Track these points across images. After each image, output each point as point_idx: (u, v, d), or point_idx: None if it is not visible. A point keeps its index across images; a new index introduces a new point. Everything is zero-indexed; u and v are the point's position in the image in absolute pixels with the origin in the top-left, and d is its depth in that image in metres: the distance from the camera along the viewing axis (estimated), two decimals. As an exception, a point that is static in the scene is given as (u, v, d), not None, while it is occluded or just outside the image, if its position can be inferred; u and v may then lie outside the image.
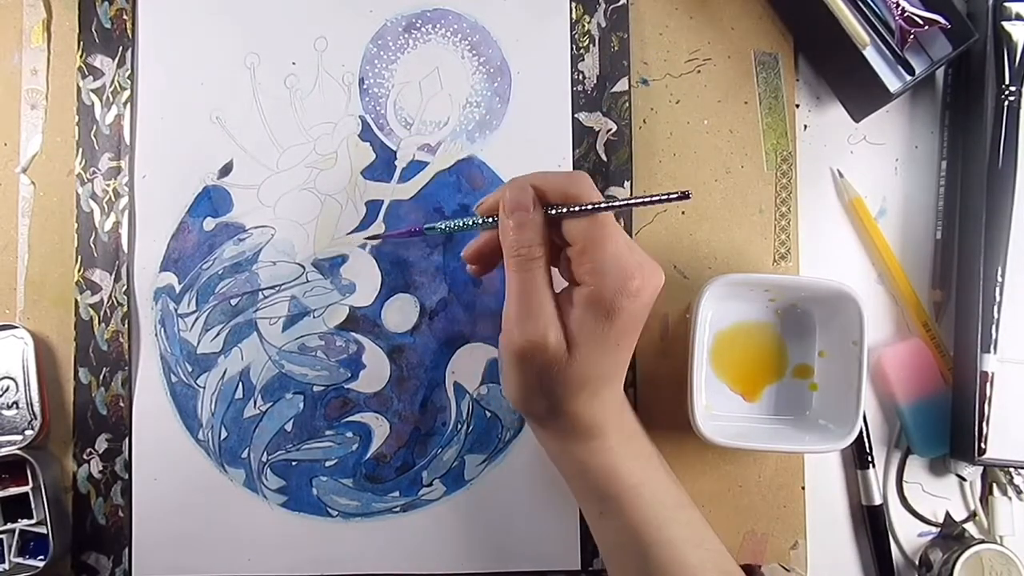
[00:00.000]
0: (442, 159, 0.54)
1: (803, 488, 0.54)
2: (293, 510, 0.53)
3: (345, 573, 0.53)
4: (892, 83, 0.52)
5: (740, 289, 0.51)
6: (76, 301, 0.53)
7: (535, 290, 0.43)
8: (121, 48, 0.54)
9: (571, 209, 0.43)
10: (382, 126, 0.54)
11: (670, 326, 0.54)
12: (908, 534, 0.55)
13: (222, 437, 0.53)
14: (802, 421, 0.53)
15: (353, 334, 0.53)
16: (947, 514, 0.55)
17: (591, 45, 0.54)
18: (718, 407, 0.53)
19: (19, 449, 0.51)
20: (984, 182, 0.52)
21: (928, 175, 0.56)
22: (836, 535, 0.55)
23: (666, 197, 0.41)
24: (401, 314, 0.54)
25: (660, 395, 0.54)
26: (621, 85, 0.54)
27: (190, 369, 0.53)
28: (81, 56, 0.54)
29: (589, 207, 0.42)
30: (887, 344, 0.55)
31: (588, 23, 0.54)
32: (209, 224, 0.54)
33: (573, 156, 0.54)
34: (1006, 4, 0.53)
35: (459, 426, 0.53)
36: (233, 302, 0.53)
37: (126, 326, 0.53)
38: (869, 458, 0.54)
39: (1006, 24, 0.52)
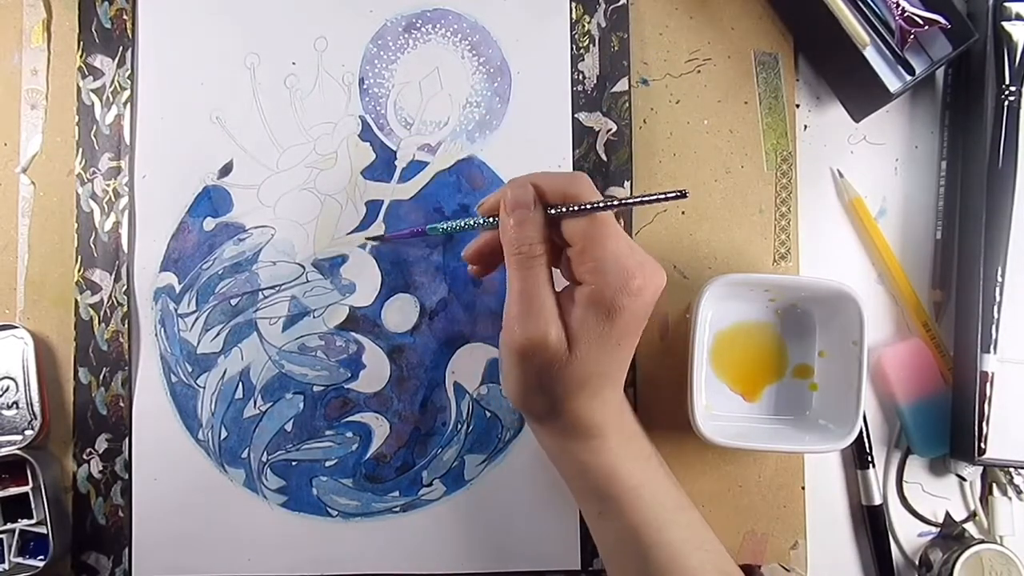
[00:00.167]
0: (442, 159, 0.54)
1: (803, 488, 0.54)
2: (293, 510, 0.53)
3: (345, 573, 0.53)
4: (892, 83, 0.52)
5: (740, 289, 0.51)
6: (76, 301, 0.53)
7: (536, 288, 0.43)
8: (121, 48, 0.54)
9: (571, 208, 0.43)
10: (382, 126, 0.54)
11: (670, 326, 0.54)
12: (908, 534, 0.55)
13: (222, 437, 0.53)
14: (802, 421, 0.53)
15: (353, 334, 0.53)
16: (947, 514, 0.55)
17: (591, 45, 0.54)
18: (718, 407, 0.53)
19: (19, 449, 0.51)
20: (984, 182, 0.52)
21: (928, 175, 0.56)
22: (836, 535, 0.55)
23: (664, 196, 0.41)
24: (401, 314, 0.54)
25: (660, 395, 0.54)
26: (621, 85, 0.54)
27: (190, 369, 0.53)
28: (81, 56, 0.54)
29: (587, 206, 0.42)
30: (887, 344, 0.55)
31: (588, 23, 0.54)
32: (209, 224, 0.54)
33: (573, 156, 0.54)
34: (1006, 4, 0.53)
35: (459, 426, 0.53)
36: (233, 302, 0.53)
37: (126, 326, 0.53)
38: (869, 458, 0.54)
39: (1006, 24, 0.52)
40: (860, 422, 0.49)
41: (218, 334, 0.53)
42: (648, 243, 0.54)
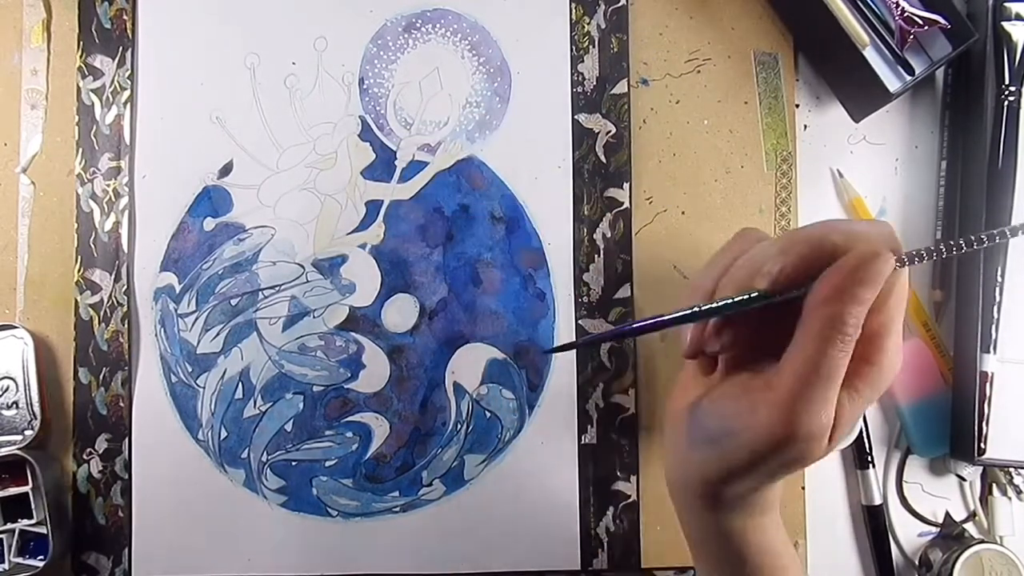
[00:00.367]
0: (442, 159, 0.54)
1: (803, 488, 0.54)
2: (293, 510, 0.53)
3: (345, 573, 0.53)
4: (892, 83, 0.52)
5: (740, 289, 0.51)
6: (76, 301, 0.53)
7: (837, 375, 0.34)
8: (121, 48, 0.54)
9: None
10: (382, 126, 0.54)
11: (670, 326, 0.54)
12: (908, 534, 0.55)
13: (222, 437, 0.53)
14: (802, 421, 0.52)
15: (353, 334, 0.53)
16: (947, 514, 0.55)
17: (591, 46, 0.54)
18: (718, 407, 0.53)
19: (19, 449, 0.51)
20: (984, 182, 0.52)
21: (928, 175, 0.56)
22: (836, 535, 0.55)
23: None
24: (401, 314, 0.54)
25: (660, 395, 0.54)
26: (620, 87, 0.54)
27: (190, 369, 0.53)
28: (81, 56, 0.54)
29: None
30: (887, 344, 0.55)
31: (588, 24, 0.54)
32: (209, 224, 0.54)
33: (573, 157, 0.54)
34: (1006, 4, 0.53)
35: (459, 426, 0.53)
36: (233, 302, 0.53)
37: (126, 326, 0.53)
38: (869, 458, 0.54)
39: (1006, 24, 0.52)
40: (860, 422, 0.49)
41: (218, 334, 0.53)
42: (648, 243, 0.54)
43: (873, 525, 0.54)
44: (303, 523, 0.53)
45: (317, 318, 0.53)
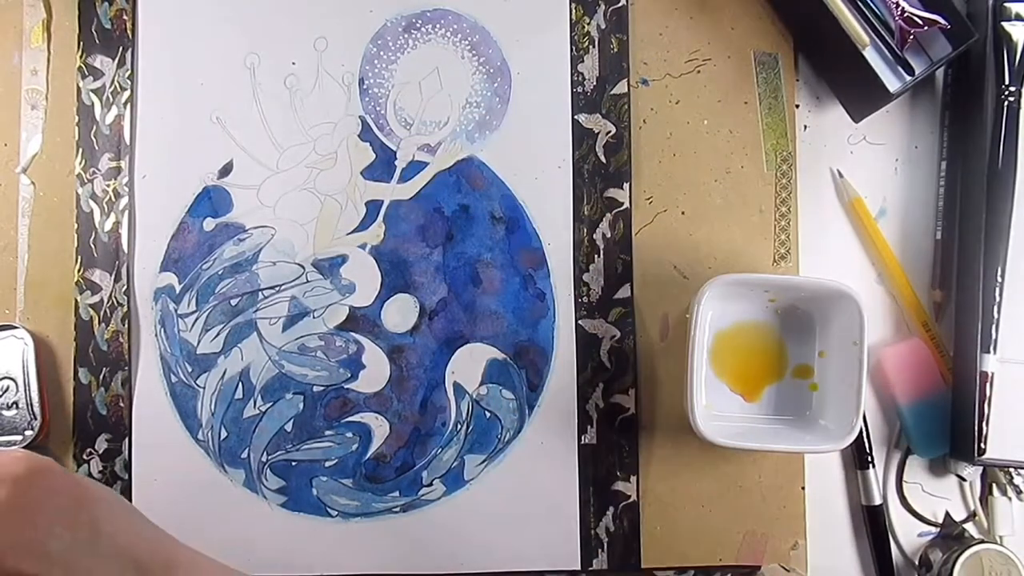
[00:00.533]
0: (442, 159, 0.54)
1: (803, 488, 0.54)
2: (293, 510, 0.53)
3: (345, 573, 0.53)
4: (892, 83, 0.52)
5: (740, 289, 0.51)
6: (76, 301, 0.53)
7: None
8: (121, 48, 0.54)
9: None
10: (382, 126, 0.54)
11: (670, 326, 0.54)
12: (908, 534, 0.55)
13: (222, 437, 0.53)
14: (802, 421, 0.53)
15: (353, 334, 0.53)
16: (947, 514, 0.55)
17: (591, 47, 0.54)
18: (718, 407, 0.53)
19: (19, 449, 0.51)
20: (984, 182, 0.52)
21: (928, 175, 0.56)
22: (836, 535, 0.55)
23: None
24: (401, 314, 0.54)
25: (660, 395, 0.54)
26: (620, 87, 0.54)
27: (190, 369, 0.53)
28: (81, 56, 0.54)
29: None
30: (887, 344, 0.55)
31: (588, 24, 0.54)
32: (209, 224, 0.54)
33: (573, 157, 0.54)
34: (1006, 4, 0.53)
35: (459, 426, 0.53)
36: (233, 302, 0.53)
37: (126, 326, 0.53)
38: (869, 458, 0.54)
39: (1006, 24, 0.52)
40: (860, 422, 0.49)
41: (218, 334, 0.53)
42: (648, 243, 0.54)
43: (873, 525, 0.54)
44: (303, 523, 0.53)
45: (317, 318, 0.53)
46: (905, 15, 0.51)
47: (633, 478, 0.53)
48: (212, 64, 0.54)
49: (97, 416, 0.53)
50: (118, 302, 0.53)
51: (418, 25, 0.55)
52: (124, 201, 0.53)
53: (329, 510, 0.53)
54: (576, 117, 0.54)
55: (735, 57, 0.55)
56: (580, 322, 0.54)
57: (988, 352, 0.51)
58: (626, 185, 0.54)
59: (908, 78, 0.52)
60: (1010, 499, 0.55)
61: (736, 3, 0.55)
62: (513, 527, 0.53)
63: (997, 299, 0.52)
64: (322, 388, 0.53)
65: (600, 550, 0.53)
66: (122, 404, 0.53)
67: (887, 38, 0.52)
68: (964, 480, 0.55)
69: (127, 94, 0.54)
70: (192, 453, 0.53)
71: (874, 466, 0.54)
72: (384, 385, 0.53)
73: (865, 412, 0.53)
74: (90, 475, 0.53)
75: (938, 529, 0.55)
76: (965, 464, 0.54)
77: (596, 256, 0.54)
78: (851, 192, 0.55)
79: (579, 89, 0.54)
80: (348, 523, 0.53)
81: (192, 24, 0.54)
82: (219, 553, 0.53)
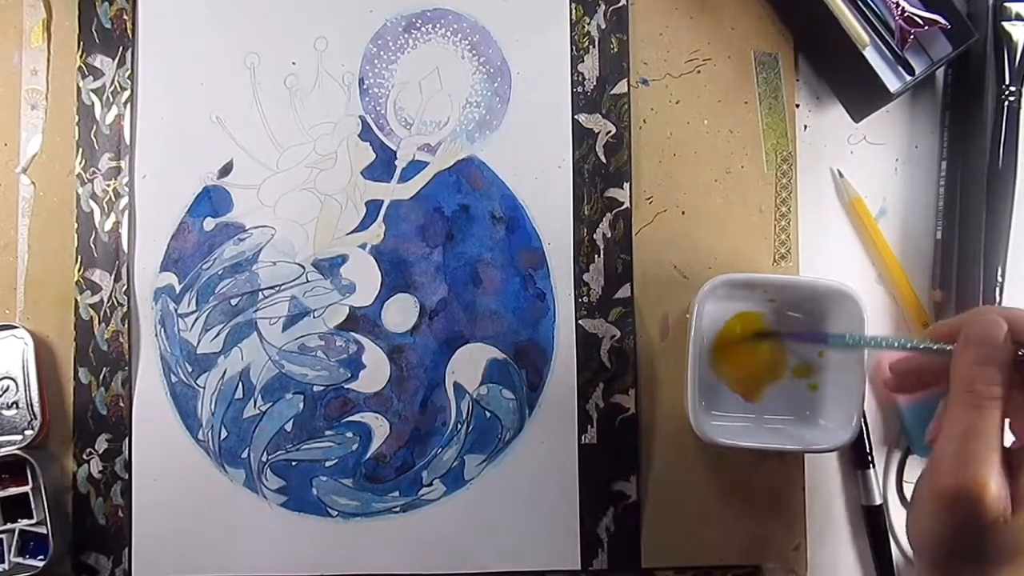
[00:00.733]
0: (442, 159, 0.54)
1: (803, 488, 0.54)
2: (293, 510, 0.53)
3: (345, 573, 0.53)
4: (892, 83, 0.52)
5: (740, 289, 0.51)
6: (76, 301, 0.53)
7: (981, 434, 0.37)
8: (121, 48, 0.54)
9: None
10: (382, 126, 0.54)
11: (670, 326, 0.54)
12: (908, 534, 0.55)
13: (222, 437, 0.53)
14: (802, 421, 0.53)
15: (353, 334, 0.53)
16: (947, 514, 0.55)
17: (591, 47, 0.54)
18: (718, 407, 0.53)
19: (19, 449, 0.51)
20: (984, 182, 0.52)
21: (928, 175, 0.56)
22: (836, 535, 0.55)
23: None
24: (401, 314, 0.54)
25: (660, 395, 0.54)
26: (620, 87, 0.54)
27: (190, 369, 0.53)
28: (81, 56, 0.54)
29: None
30: (887, 344, 0.55)
31: (588, 24, 0.54)
32: (209, 224, 0.54)
33: (573, 157, 0.54)
34: (1006, 4, 0.53)
35: (459, 426, 0.53)
36: (233, 302, 0.53)
37: (126, 326, 0.53)
38: (869, 458, 0.54)
39: (1006, 24, 0.52)
40: (860, 422, 0.49)
41: (218, 334, 0.53)
42: (648, 243, 0.54)
43: (873, 525, 0.54)
44: (303, 523, 0.53)
45: (317, 318, 0.53)
46: (905, 15, 0.51)
47: (633, 478, 0.53)
48: (212, 64, 0.54)
49: (97, 416, 0.53)
50: (118, 302, 0.53)
51: (418, 25, 0.55)
52: (124, 201, 0.53)
53: (329, 510, 0.53)
54: (576, 117, 0.54)
55: (735, 57, 0.55)
56: (580, 322, 0.54)
57: (988, 352, 0.51)
58: (626, 185, 0.54)
59: (908, 78, 0.52)
60: (1010, 499, 0.55)
61: (736, 3, 0.55)
62: (513, 527, 0.53)
63: (997, 299, 0.52)
64: (322, 388, 0.53)
65: (600, 550, 0.53)
66: (122, 404, 0.53)
67: (887, 38, 0.52)
68: (964, 480, 0.55)
69: (127, 94, 0.54)
70: (192, 453, 0.53)
71: (874, 466, 0.54)
72: (384, 385, 0.53)
73: (865, 412, 0.53)
74: (90, 475, 0.53)
75: (938, 529, 0.55)
76: (965, 464, 0.54)
77: (596, 256, 0.54)
78: (851, 192, 0.55)
79: (579, 89, 0.54)
80: (348, 523, 0.53)
81: (192, 24, 0.54)
82: (219, 553, 0.53)
